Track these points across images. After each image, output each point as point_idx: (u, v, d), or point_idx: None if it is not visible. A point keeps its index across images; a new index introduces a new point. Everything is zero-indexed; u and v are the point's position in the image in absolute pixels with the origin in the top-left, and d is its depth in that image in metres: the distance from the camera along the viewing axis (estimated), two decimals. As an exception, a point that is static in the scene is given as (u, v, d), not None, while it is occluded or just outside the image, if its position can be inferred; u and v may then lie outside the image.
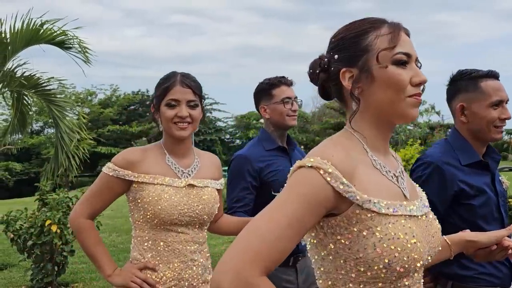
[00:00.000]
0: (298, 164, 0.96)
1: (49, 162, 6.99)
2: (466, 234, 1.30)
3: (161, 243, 1.73)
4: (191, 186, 1.77)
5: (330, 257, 0.99)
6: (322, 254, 1.00)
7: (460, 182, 1.71)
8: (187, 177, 1.78)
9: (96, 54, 6.72)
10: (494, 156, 1.85)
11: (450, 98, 1.84)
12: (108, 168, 1.75)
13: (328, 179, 0.92)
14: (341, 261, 0.97)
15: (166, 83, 1.76)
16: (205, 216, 1.78)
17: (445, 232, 1.38)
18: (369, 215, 0.95)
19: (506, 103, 1.78)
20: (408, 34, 1.06)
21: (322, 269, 1.02)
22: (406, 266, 0.95)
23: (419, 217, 1.02)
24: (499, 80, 1.79)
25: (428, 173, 1.72)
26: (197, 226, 1.78)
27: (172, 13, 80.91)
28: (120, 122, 37.03)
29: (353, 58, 1.03)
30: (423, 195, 1.12)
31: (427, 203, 1.09)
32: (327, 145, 1.00)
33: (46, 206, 5.11)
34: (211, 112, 42.70)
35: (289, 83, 2.35)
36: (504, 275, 1.74)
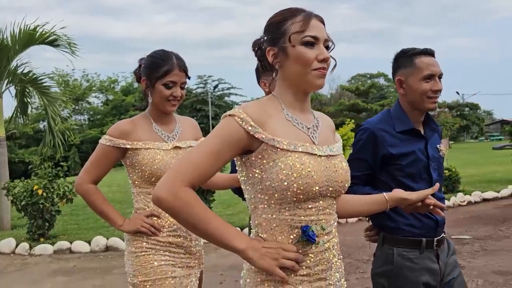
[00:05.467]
0: (224, 114, 1.26)
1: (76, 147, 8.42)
2: (402, 193, 1.55)
3: None
4: (177, 148, 2.04)
5: (252, 185, 1.26)
6: (247, 184, 1.28)
7: (389, 146, 1.92)
8: (172, 140, 2.05)
9: (82, 47, 8.07)
10: (432, 125, 2.06)
11: (393, 74, 2.06)
12: (105, 140, 2.00)
13: (240, 122, 1.20)
14: (259, 187, 1.24)
15: (165, 66, 1.98)
16: None
17: (377, 188, 1.86)
18: (274, 150, 1.21)
19: (440, 77, 1.96)
20: (321, 21, 1.31)
21: (248, 196, 1.29)
22: (302, 188, 1.20)
23: (322, 156, 1.27)
24: (434, 56, 1.98)
25: (364, 137, 1.97)
26: None
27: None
28: (142, 108, 38.66)
29: (275, 40, 1.29)
30: (336, 145, 1.36)
31: (335, 150, 1.33)
32: (250, 102, 1.28)
33: (36, 176, 6.57)
34: (228, 96, 43.81)
35: None
36: (425, 226, 1.94)
